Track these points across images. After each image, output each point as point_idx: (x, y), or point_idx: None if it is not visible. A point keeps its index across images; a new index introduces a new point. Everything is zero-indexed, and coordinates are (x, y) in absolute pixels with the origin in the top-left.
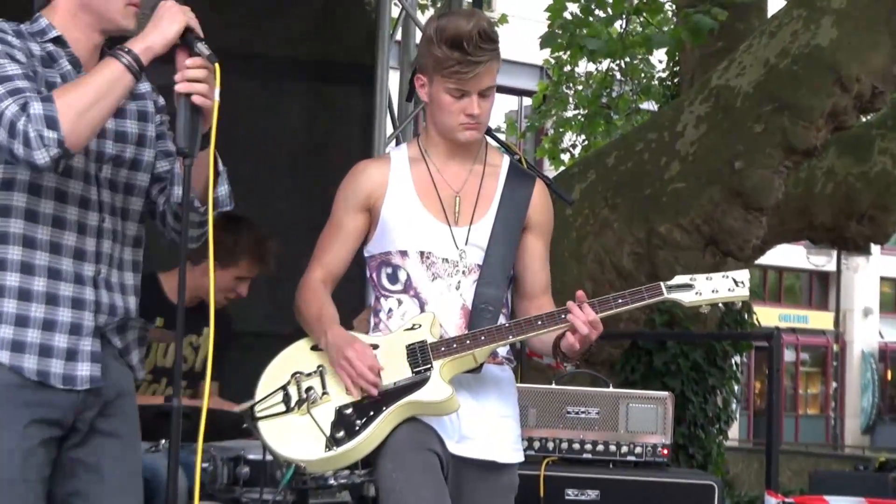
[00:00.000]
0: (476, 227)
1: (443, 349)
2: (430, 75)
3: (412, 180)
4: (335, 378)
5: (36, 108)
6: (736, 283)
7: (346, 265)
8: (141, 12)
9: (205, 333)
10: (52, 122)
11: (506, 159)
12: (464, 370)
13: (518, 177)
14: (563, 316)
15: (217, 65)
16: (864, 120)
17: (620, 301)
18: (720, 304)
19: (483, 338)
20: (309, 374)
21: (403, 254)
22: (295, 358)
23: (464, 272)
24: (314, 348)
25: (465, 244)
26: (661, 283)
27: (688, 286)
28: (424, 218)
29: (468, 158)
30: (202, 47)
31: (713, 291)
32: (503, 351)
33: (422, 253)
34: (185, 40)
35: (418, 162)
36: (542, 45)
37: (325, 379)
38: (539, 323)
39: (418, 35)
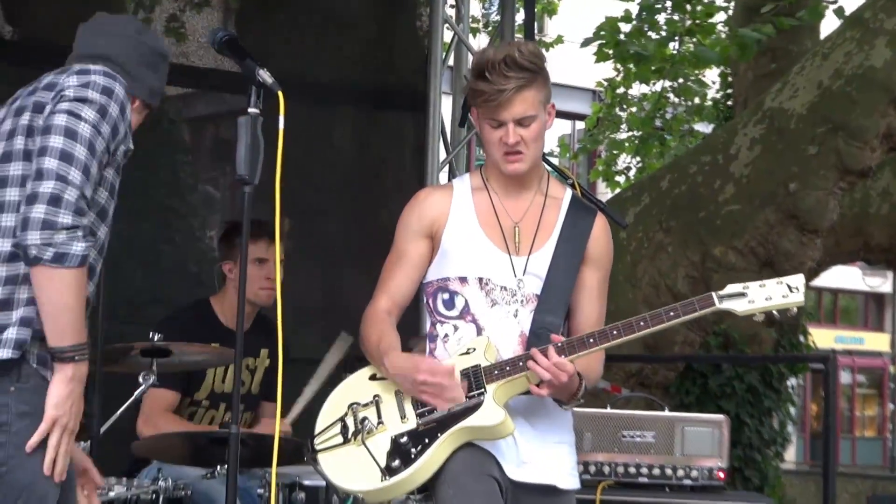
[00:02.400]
0: (535, 258)
1: (496, 372)
2: (475, 107)
3: (474, 209)
4: (390, 407)
5: (78, 247)
6: (790, 288)
7: (412, 293)
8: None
9: (262, 356)
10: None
11: (568, 191)
12: (518, 392)
13: (579, 209)
14: (614, 332)
15: (280, 93)
16: None
17: (672, 314)
18: (775, 313)
19: (530, 360)
20: (365, 405)
21: (463, 280)
22: (353, 388)
23: (522, 301)
24: (372, 378)
25: (524, 273)
26: (713, 294)
27: (740, 295)
28: (485, 245)
29: (529, 189)
30: (265, 75)
31: (767, 299)
32: None
33: (480, 279)
34: (246, 67)
35: (481, 191)
36: (583, 44)
37: (380, 408)
38: (591, 341)
39: (471, 60)
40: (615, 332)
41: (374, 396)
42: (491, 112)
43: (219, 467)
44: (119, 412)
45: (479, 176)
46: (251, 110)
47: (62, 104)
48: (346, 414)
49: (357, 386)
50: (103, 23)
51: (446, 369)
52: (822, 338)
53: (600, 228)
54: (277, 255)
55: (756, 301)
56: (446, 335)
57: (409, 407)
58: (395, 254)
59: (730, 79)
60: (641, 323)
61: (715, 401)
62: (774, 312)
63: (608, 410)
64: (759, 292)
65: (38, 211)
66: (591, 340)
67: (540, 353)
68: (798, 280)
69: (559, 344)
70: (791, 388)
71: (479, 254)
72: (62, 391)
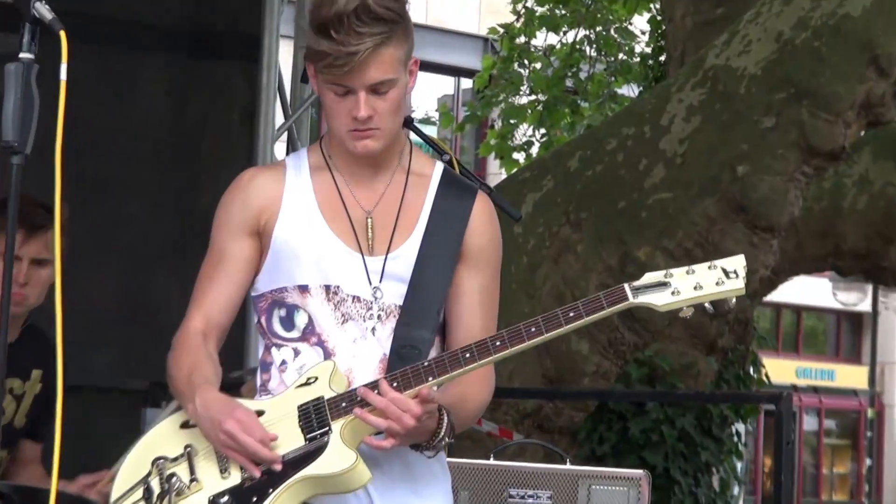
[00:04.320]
0: (395, 257)
1: (343, 405)
2: (313, 68)
3: (314, 195)
4: (207, 459)
5: None
6: (726, 273)
7: (235, 307)
8: None
9: (32, 378)
10: None
11: (438, 166)
12: (375, 431)
13: (454, 189)
14: (497, 343)
15: (63, 33)
16: None
17: (572, 314)
18: (707, 305)
19: (395, 384)
20: (175, 459)
21: (303, 290)
22: (159, 441)
23: (380, 316)
24: (185, 425)
25: (381, 279)
26: (625, 285)
27: (662, 285)
28: (331, 244)
29: (385, 166)
30: (42, 8)
31: (696, 288)
32: None
33: (327, 288)
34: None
35: (322, 171)
36: None
37: (193, 462)
38: (467, 356)
39: None
40: (498, 343)
41: (186, 447)
42: (337, 78)
43: None
44: None
45: (318, 151)
46: (24, 55)
47: None
48: (149, 473)
49: (164, 437)
50: None
51: (266, 434)
52: (780, 370)
53: (482, 212)
54: (57, 249)
55: (682, 291)
56: (283, 362)
57: None
58: (213, 257)
59: (663, 27)
60: (533, 329)
61: (637, 451)
62: (706, 305)
63: (491, 462)
64: (686, 280)
65: None
66: (468, 356)
67: (369, 390)
68: (737, 262)
69: (426, 363)
70: (737, 435)
71: (323, 254)
72: None
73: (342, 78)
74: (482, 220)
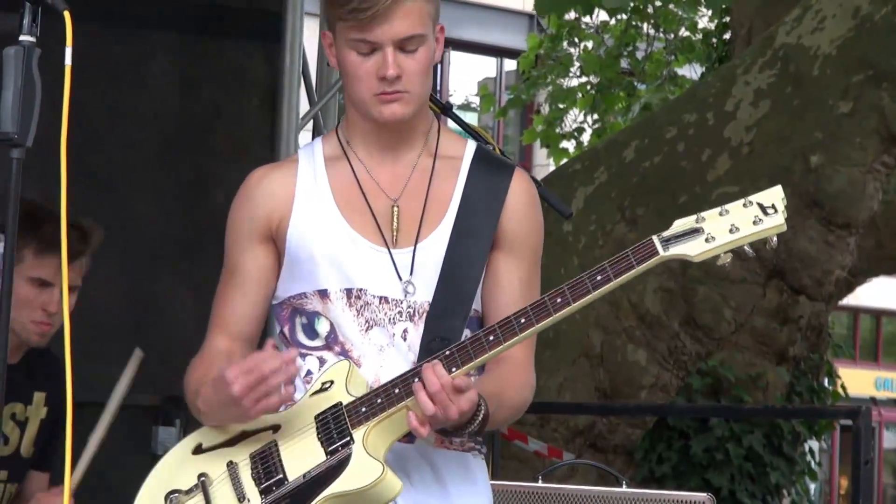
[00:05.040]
0: (425, 248)
1: (363, 410)
2: (332, 26)
3: (330, 188)
4: (223, 487)
5: None
6: (763, 209)
7: (258, 321)
8: None
9: (36, 402)
10: None
11: (470, 146)
12: (401, 434)
13: (487, 169)
14: (522, 321)
15: (67, 14)
16: None
17: (600, 278)
18: (746, 248)
19: (418, 379)
20: (189, 491)
21: (323, 294)
22: (172, 471)
23: (412, 315)
24: (197, 450)
25: (412, 273)
26: (654, 237)
27: (694, 232)
28: (351, 241)
29: (410, 149)
30: None
31: (731, 230)
32: None
33: (349, 291)
34: None
35: (338, 161)
36: None
37: (209, 492)
38: (491, 339)
39: None
40: (524, 321)
41: (200, 477)
42: (360, 30)
43: None
44: None
45: (334, 140)
46: (24, 38)
47: None
48: None
49: (177, 466)
50: None
51: (260, 356)
52: (858, 381)
53: (520, 192)
54: (64, 270)
55: (717, 236)
56: (309, 372)
57: (247, 481)
58: (227, 272)
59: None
60: (559, 300)
61: (700, 472)
62: (746, 248)
63: (539, 485)
64: (720, 223)
65: None
66: (492, 338)
67: (431, 370)
68: (774, 195)
69: (448, 351)
70: (811, 453)
71: (344, 254)
72: None
73: (367, 30)
74: (520, 201)
